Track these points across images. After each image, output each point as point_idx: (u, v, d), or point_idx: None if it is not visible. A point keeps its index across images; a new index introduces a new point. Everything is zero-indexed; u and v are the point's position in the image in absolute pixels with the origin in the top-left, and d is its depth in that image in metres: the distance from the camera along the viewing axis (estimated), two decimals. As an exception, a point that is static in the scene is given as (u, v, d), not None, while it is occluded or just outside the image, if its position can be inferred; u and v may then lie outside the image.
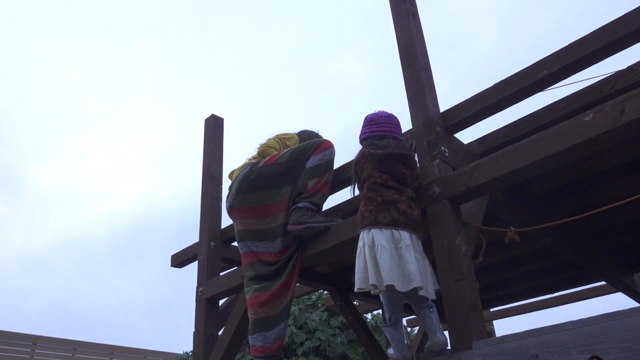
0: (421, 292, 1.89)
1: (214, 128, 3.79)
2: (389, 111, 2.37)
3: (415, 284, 1.85)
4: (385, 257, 1.90)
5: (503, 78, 2.25)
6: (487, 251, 2.13)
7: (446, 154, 2.27)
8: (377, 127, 2.28)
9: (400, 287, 1.86)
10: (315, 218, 2.58)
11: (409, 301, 2.03)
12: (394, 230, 1.98)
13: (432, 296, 1.94)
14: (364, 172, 2.19)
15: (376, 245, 1.94)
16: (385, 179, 2.11)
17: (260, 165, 2.74)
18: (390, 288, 1.87)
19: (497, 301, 4.66)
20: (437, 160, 2.22)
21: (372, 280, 1.88)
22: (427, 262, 2.01)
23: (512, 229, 1.99)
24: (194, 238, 3.52)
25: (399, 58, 2.60)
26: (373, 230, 1.99)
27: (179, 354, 7.54)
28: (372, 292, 1.93)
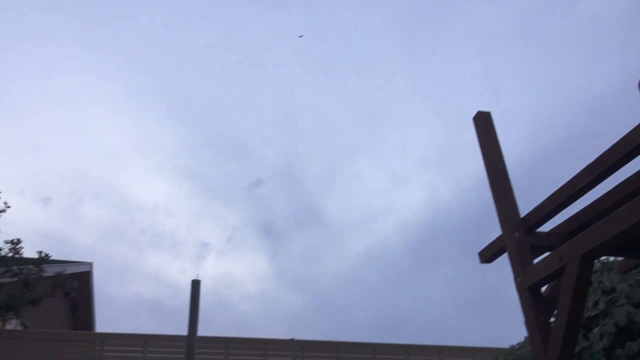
0: None
1: (483, 124, 3.85)
2: None
3: None
4: None
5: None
6: None
7: None
8: None
9: None
10: None
11: None
12: None
13: None
14: None
15: None
16: None
17: None
18: None
19: None
20: None
21: None
22: None
23: None
24: (484, 228, 3.60)
25: None
26: None
27: (506, 348, 7.54)
28: None
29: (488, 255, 3.77)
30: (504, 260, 3.76)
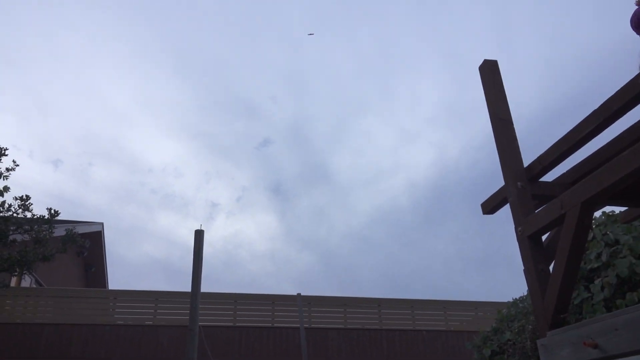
0: None
1: (490, 72, 3.78)
2: None
3: None
4: None
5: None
6: None
7: None
8: None
9: None
10: None
11: None
12: None
13: None
14: None
15: None
16: None
17: None
18: None
19: None
20: None
21: None
22: None
23: None
24: (492, 187, 3.61)
25: None
26: None
27: (509, 302, 7.63)
28: None
29: (490, 206, 3.78)
30: (510, 218, 3.77)
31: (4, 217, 7.15)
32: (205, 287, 5.71)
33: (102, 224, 17.05)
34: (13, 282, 11.19)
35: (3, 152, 7.08)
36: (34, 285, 12.65)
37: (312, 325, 10.85)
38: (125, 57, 36.51)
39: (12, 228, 7.31)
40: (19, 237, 7.78)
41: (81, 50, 33.14)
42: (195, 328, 4.51)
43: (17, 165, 7.14)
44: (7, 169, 7.13)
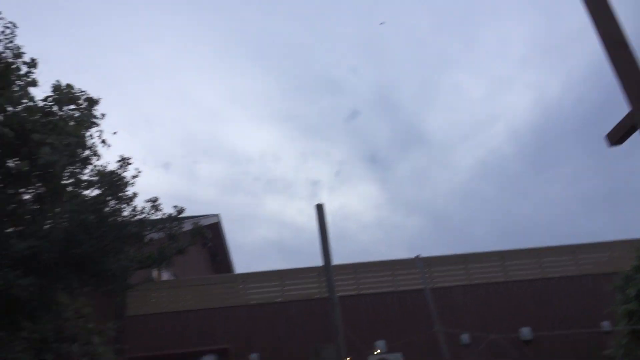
0: None
1: (596, -7, 3.46)
2: None
3: None
4: None
5: None
6: None
7: None
8: None
9: None
10: None
11: None
12: None
13: None
14: None
15: None
16: None
17: None
18: None
19: None
20: None
21: None
22: None
23: None
24: (604, 124, 3.33)
25: None
26: None
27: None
28: None
29: (617, 136, 3.50)
30: (632, 148, 3.49)
31: (140, 220, 7.93)
32: (321, 261, 5.90)
33: (218, 215, 18.20)
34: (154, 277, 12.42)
35: (128, 162, 7.82)
36: (172, 278, 13.93)
37: (435, 285, 10.84)
38: (208, 57, 38.14)
39: (147, 228, 8.09)
40: (155, 236, 8.60)
41: (167, 59, 35.20)
42: (334, 298, 4.72)
43: (140, 172, 7.86)
44: (133, 177, 7.87)
